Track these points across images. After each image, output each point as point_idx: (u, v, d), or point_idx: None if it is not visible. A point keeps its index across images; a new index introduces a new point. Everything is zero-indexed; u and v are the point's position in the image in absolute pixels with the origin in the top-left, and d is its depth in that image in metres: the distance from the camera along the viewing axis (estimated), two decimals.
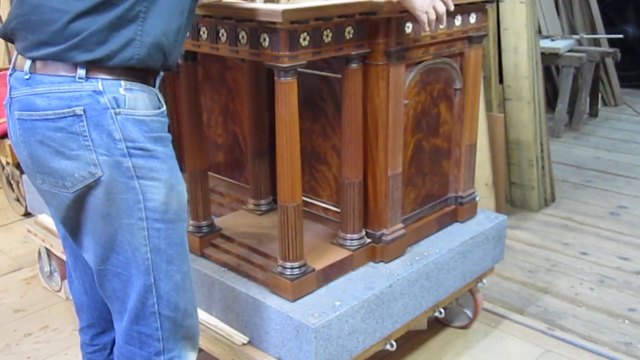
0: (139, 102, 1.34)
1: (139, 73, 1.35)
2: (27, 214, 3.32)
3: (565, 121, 4.86)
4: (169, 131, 1.45)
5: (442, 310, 2.15)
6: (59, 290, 2.65)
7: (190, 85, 1.92)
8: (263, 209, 2.19)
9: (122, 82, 1.32)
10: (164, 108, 1.41)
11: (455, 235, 2.16)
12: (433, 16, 1.66)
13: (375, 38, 1.77)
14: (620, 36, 5.44)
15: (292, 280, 1.77)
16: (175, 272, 1.43)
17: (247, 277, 1.91)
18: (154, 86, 1.41)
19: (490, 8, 2.47)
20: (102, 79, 1.30)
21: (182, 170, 2.53)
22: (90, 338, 1.70)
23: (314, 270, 1.82)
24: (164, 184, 1.37)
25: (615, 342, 2.36)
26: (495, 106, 3.36)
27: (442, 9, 1.68)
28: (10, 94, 1.36)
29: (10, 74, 1.37)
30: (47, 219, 2.58)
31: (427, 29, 1.68)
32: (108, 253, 1.39)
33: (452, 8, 1.72)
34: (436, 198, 2.18)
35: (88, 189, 1.34)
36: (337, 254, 1.91)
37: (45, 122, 1.30)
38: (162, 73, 1.43)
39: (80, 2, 1.27)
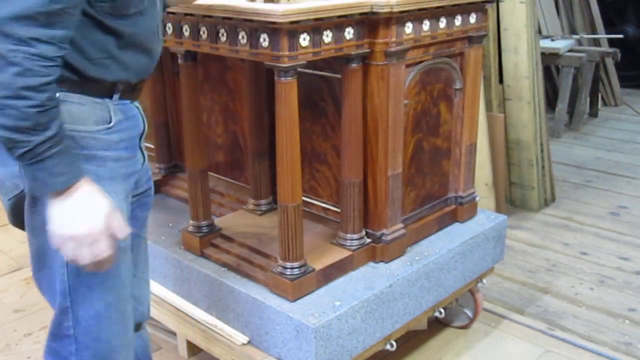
0: (73, 116, 1.25)
1: (84, 84, 1.27)
2: None
3: (565, 121, 4.86)
4: (129, 145, 1.36)
5: (442, 310, 2.15)
6: None
7: (190, 85, 1.92)
8: (263, 209, 2.19)
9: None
10: (112, 123, 1.32)
11: (455, 235, 2.16)
12: (82, 260, 1.22)
13: (375, 38, 1.77)
14: (620, 36, 5.44)
15: (292, 280, 1.77)
16: (97, 300, 1.35)
17: (247, 277, 1.91)
18: (109, 97, 1.32)
19: (490, 8, 2.47)
20: None
21: (182, 170, 2.55)
22: None
23: (314, 270, 1.82)
24: None
25: (615, 342, 2.36)
26: (495, 106, 3.36)
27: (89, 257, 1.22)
28: None
29: None
30: None
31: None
32: (38, 265, 1.37)
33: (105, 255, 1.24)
34: (436, 198, 2.18)
35: (17, 200, 1.31)
36: (337, 254, 1.91)
37: None
38: (120, 87, 1.33)
39: None
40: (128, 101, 1.38)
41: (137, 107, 1.43)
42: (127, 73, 1.33)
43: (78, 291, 1.34)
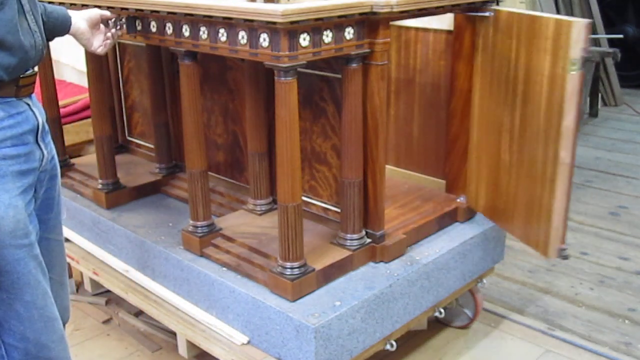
0: None
1: None
2: None
3: None
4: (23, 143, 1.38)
5: (442, 310, 2.15)
6: None
7: (190, 85, 1.92)
8: (263, 209, 2.19)
9: None
10: None
11: (455, 235, 2.16)
12: None
13: (375, 38, 1.77)
14: (620, 36, 5.43)
15: (292, 280, 1.77)
16: (12, 301, 1.36)
17: (247, 277, 1.91)
18: None
19: None
20: None
21: (182, 170, 2.55)
22: None
23: (314, 270, 1.82)
24: None
25: (615, 342, 2.36)
26: None
27: None
28: None
29: None
30: None
31: None
32: None
33: None
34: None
35: None
36: (337, 254, 1.91)
37: None
38: None
39: None
40: (12, 98, 1.37)
41: (27, 103, 1.41)
42: None
43: None
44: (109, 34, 1.94)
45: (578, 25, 1.65)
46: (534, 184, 1.87)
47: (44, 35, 1.45)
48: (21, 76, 1.38)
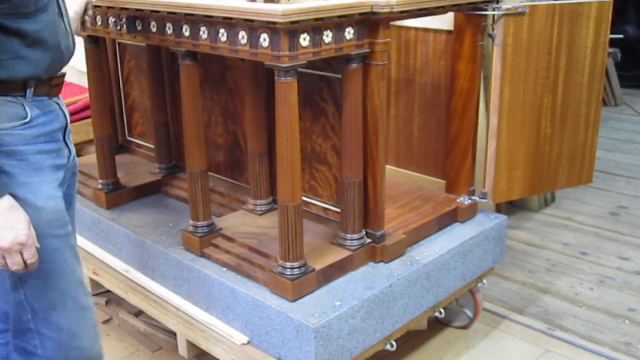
0: None
1: None
2: None
3: None
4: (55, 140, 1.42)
5: (442, 310, 2.15)
6: None
7: (190, 85, 1.92)
8: (263, 209, 2.19)
9: None
10: (28, 119, 1.37)
11: (455, 235, 2.16)
12: (12, 267, 1.33)
13: (375, 38, 1.77)
14: (620, 36, 5.42)
15: (292, 280, 1.77)
16: (48, 290, 1.39)
17: (247, 277, 1.91)
18: (22, 94, 1.37)
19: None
20: None
21: (182, 170, 2.55)
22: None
23: (314, 270, 1.82)
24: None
25: (615, 342, 2.36)
26: None
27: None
28: None
29: None
30: None
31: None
32: None
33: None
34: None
35: None
36: (337, 254, 1.91)
37: None
38: (32, 83, 1.37)
39: None
40: (45, 97, 1.42)
41: (57, 103, 1.47)
42: (36, 70, 1.36)
43: (28, 282, 1.38)
44: (86, 17, 1.95)
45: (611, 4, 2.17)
46: (577, 136, 2.26)
47: (74, 37, 1.51)
48: (53, 76, 1.43)
